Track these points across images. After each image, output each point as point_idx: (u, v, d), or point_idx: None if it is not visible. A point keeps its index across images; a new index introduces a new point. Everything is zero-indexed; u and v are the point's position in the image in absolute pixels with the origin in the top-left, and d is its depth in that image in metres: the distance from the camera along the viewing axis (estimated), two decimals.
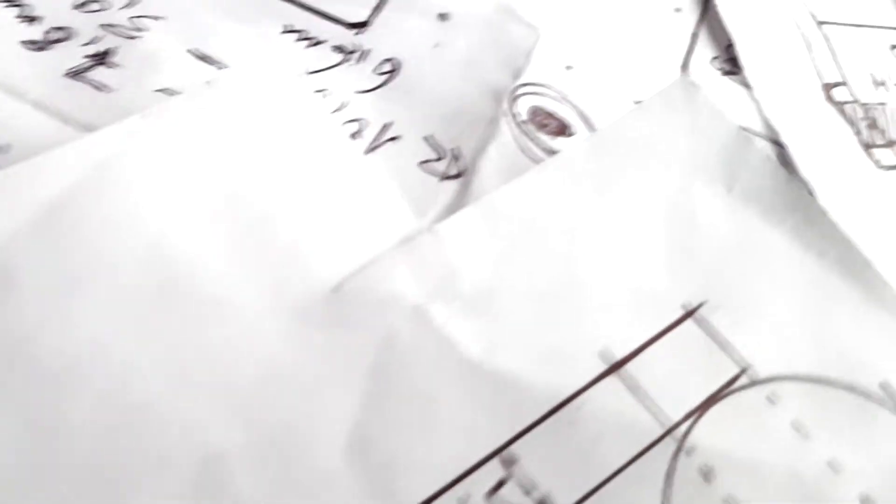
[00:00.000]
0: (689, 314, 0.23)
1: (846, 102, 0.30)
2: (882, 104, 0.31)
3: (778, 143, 0.28)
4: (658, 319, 0.23)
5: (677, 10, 0.31)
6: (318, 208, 0.23)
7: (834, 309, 0.24)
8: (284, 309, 0.21)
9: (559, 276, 0.23)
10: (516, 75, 0.28)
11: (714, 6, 0.31)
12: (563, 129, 0.27)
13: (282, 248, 0.22)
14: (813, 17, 0.32)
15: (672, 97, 0.26)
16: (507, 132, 0.27)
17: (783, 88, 0.30)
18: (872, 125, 0.30)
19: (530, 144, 0.27)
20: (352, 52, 0.29)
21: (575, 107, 0.28)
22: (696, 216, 0.24)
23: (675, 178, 0.25)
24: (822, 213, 0.25)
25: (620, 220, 0.24)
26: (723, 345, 0.23)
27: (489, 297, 0.22)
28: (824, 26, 0.32)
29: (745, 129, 0.29)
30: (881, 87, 0.31)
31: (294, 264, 0.22)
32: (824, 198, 0.27)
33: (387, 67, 0.28)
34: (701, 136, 0.26)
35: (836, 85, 0.31)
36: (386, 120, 0.27)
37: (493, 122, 0.27)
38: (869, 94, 0.31)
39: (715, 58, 0.31)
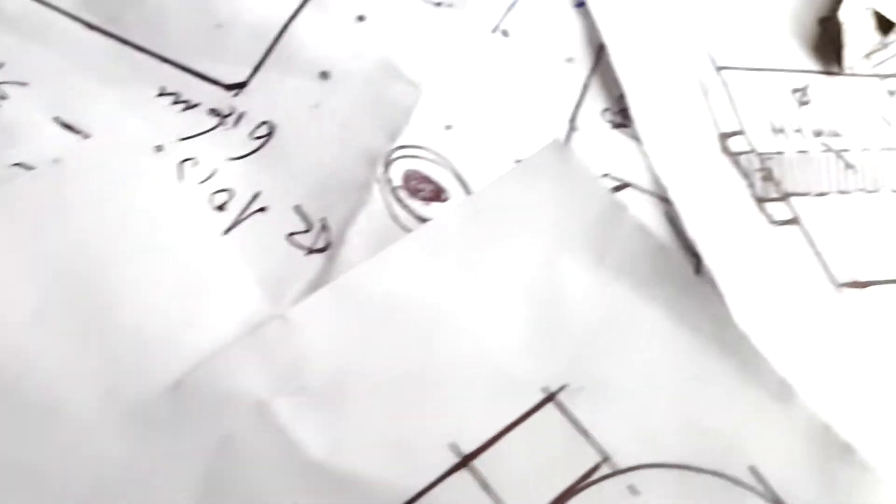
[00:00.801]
0: (548, 399, 0.21)
1: (742, 153, 0.29)
2: (780, 153, 0.29)
3: (667, 200, 0.27)
4: (515, 406, 0.21)
5: (569, 59, 0.30)
6: (166, 295, 0.22)
7: (704, 389, 0.22)
8: (121, 410, 0.20)
9: (413, 362, 0.21)
10: (393, 137, 0.27)
11: (607, 54, 0.30)
12: (438, 194, 0.26)
13: (122, 342, 0.21)
14: (713, 62, 0.31)
15: (543, 162, 0.25)
16: (378, 199, 0.25)
17: (675, 140, 0.28)
18: (767, 177, 0.28)
19: (402, 212, 0.25)
20: (228, 115, 0.27)
21: (453, 169, 0.26)
22: (564, 291, 0.23)
23: (542, 250, 0.23)
24: (697, 285, 0.24)
25: (482, 298, 0.22)
26: (583, 432, 0.21)
27: (338, 389, 0.21)
28: (724, 71, 0.31)
29: (633, 186, 0.27)
30: (780, 135, 0.29)
31: (134, 359, 0.21)
32: (711, 259, 0.25)
33: (262, 131, 0.27)
34: (572, 204, 0.24)
35: (733, 134, 0.29)
36: (256, 189, 0.26)
37: (364, 189, 0.25)
38: (767, 143, 0.29)
39: (606, 110, 0.29)
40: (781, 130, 0.30)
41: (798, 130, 0.30)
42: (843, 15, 0.32)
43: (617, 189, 0.27)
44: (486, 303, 0.22)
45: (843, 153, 0.29)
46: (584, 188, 0.24)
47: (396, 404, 0.21)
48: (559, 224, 0.24)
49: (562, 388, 0.22)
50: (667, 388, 0.22)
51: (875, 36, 0.33)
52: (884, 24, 0.33)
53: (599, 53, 0.30)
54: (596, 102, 0.29)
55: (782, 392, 0.22)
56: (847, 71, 0.32)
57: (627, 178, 0.27)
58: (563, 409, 0.21)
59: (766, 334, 0.24)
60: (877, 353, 0.25)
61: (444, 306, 0.22)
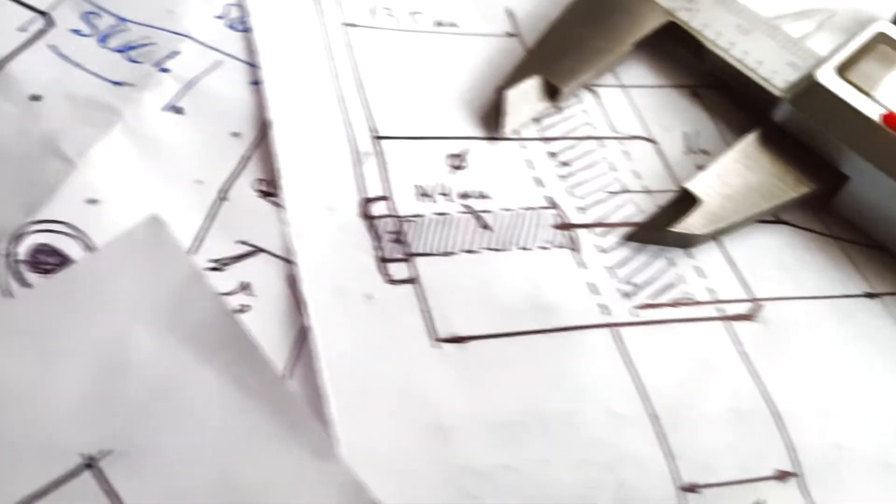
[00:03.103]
0: (87, 466, 0.21)
1: (381, 217, 0.28)
2: (419, 216, 0.28)
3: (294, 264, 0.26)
4: (53, 473, 0.20)
5: (235, 134, 0.29)
6: None
7: (247, 450, 0.21)
8: None
9: None
10: (30, 212, 0.26)
11: (271, 128, 0.29)
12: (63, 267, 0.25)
13: None
14: (373, 132, 0.30)
15: (135, 237, 0.24)
16: None
17: (314, 206, 0.28)
18: (398, 239, 0.28)
19: (16, 286, 0.25)
20: None
21: (88, 243, 0.26)
22: (129, 361, 0.22)
23: (117, 323, 0.22)
24: (253, 348, 0.23)
25: (48, 371, 0.22)
26: (115, 497, 0.20)
27: None
28: (382, 141, 0.30)
29: (265, 252, 0.27)
30: (426, 199, 0.29)
31: None
32: (314, 319, 0.25)
33: None
34: (156, 276, 0.23)
35: (378, 199, 0.29)
36: None
37: None
38: (410, 207, 0.29)
39: (261, 180, 0.28)
40: (429, 195, 0.29)
41: (445, 194, 0.29)
42: (510, 82, 0.32)
43: (249, 254, 0.27)
44: (50, 375, 0.22)
45: (483, 214, 0.29)
46: (171, 260, 0.24)
47: None
48: (140, 296, 0.23)
49: (104, 455, 0.21)
50: (211, 450, 0.21)
51: (542, 102, 0.33)
52: (551, 91, 0.33)
53: (265, 128, 0.30)
54: (252, 174, 0.29)
55: (322, 450, 0.21)
56: (512, 136, 0.32)
57: (262, 244, 0.27)
58: (101, 476, 0.20)
59: (349, 394, 0.23)
60: (451, 408, 0.24)
61: (11, 381, 0.21)
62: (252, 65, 0.31)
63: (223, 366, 0.22)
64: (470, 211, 0.29)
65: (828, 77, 0.32)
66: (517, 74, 0.32)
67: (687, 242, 0.29)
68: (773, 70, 0.34)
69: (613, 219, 0.30)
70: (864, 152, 0.30)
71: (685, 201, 0.30)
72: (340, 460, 0.21)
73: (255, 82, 0.31)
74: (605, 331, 0.26)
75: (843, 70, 0.32)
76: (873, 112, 0.31)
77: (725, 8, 0.36)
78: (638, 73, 0.35)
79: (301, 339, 0.25)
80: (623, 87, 0.34)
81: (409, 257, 0.27)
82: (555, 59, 0.33)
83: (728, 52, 0.35)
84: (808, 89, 0.32)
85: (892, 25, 0.34)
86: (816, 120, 0.31)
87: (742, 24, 0.35)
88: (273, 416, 0.22)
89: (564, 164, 0.31)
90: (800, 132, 0.32)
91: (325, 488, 0.21)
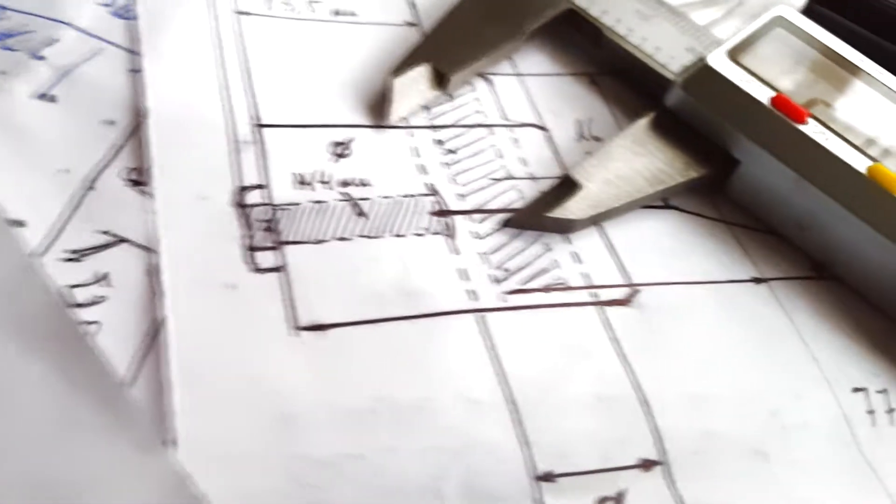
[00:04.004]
0: None
1: (256, 205, 0.27)
2: (295, 204, 0.27)
3: (151, 250, 0.25)
4: None
5: (110, 122, 0.28)
6: None
7: (70, 441, 0.20)
8: None
9: None
10: None
11: (146, 116, 0.28)
12: None
13: None
14: (255, 120, 0.29)
15: None
16: None
17: (185, 195, 0.26)
18: (269, 228, 0.26)
19: None
20: None
21: None
22: None
23: None
24: (83, 339, 0.22)
25: None
26: None
27: None
28: (264, 129, 0.29)
29: (129, 242, 0.26)
30: (304, 187, 0.28)
31: None
32: (172, 310, 0.24)
33: None
34: None
35: (254, 188, 0.27)
36: None
37: None
38: (286, 195, 0.27)
39: (133, 168, 0.27)
40: (308, 183, 0.28)
41: (325, 182, 0.28)
42: (399, 70, 0.31)
43: (110, 245, 0.25)
44: None
45: (361, 201, 0.28)
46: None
47: None
48: None
49: None
50: (29, 445, 0.20)
51: (431, 90, 0.31)
52: (441, 79, 0.31)
53: (141, 116, 0.28)
54: (123, 162, 0.27)
55: (148, 443, 0.20)
56: (401, 124, 0.31)
57: (126, 235, 0.26)
58: None
59: (199, 385, 0.22)
60: (301, 397, 0.23)
61: None
62: (134, 52, 0.30)
63: (50, 358, 0.21)
64: (347, 198, 0.28)
65: (719, 61, 0.31)
66: (407, 62, 0.31)
67: (565, 228, 0.28)
68: (671, 56, 0.33)
69: (494, 205, 0.28)
70: (754, 136, 0.29)
71: (567, 187, 0.29)
72: (166, 453, 0.20)
73: (136, 70, 0.30)
74: (470, 316, 0.25)
75: (735, 54, 0.31)
76: (763, 95, 0.30)
77: None
78: (535, 62, 0.34)
79: (155, 330, 0.24)
80: (519, 75, 0.33)
81: (278, 245, 0.26)
82: (447, 47, 0.32)
83: (626, 39, 0.33)
84: (699, 73, 0.31)
85: (792, 10, 0.33)
86: (706, 104, 0.30)
87: (642, 10, 0.34)
88: (99, 409, 0.20)
89: (451, 151, 0.30)
90: (691, 116, 0.31)
91: (147, 482, 0.20)
